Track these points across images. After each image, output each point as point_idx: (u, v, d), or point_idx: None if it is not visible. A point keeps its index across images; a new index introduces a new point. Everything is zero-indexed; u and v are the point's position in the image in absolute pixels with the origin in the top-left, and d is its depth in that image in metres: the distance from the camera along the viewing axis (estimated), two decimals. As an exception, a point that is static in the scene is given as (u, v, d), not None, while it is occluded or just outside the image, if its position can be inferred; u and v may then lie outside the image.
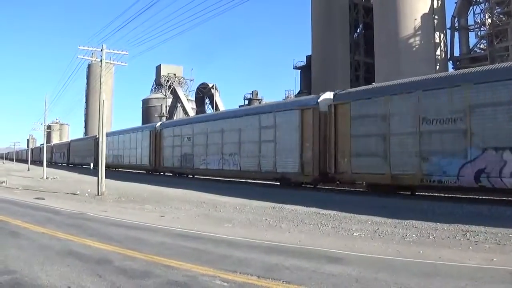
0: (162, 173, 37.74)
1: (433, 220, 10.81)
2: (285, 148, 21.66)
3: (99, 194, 19.19)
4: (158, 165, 36.29)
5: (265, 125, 23.22)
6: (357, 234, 9.78)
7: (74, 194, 19.96)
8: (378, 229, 10.21)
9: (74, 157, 62.78)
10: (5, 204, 16.07)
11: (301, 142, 20.67)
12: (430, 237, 9.26)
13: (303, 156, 20.49)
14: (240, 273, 6.40)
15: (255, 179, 25.71)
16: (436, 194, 16.95)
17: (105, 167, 48.81)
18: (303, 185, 21.51)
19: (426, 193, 17.26)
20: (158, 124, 39.56)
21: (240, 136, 25.16)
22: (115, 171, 44.46)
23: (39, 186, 25.24)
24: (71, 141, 72.29)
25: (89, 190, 20.38)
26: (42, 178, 33.31)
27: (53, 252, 7.87)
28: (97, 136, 47.57)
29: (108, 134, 49.53)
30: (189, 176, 33.30)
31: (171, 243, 8.99)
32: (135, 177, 34.22)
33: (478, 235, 9.23)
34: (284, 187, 21.72)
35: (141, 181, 28.69)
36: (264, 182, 25.25)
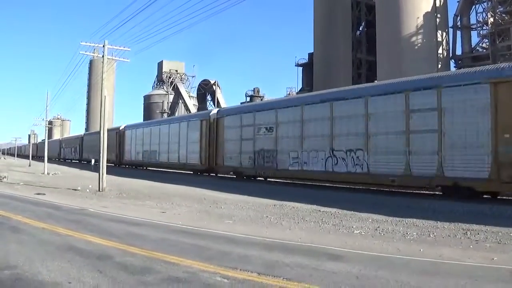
0: (215, 174, 29.72)
1: (434, 219, 10.83)
2: (461, 142, 15.13)
3: (100, 190, 19.23)
4: (215, 163, 28.46)
5: (417, 107, 16.44)
6: (357, 231, 9.78)
7: (75, 189, 19.97)
8: (378, 227, 10.22)
9: (88, 153, 53.62)
10: (6, 199, 16.11)
11: (494, 132, 14.27)
12: (431, 235, 9.26)
13: (499, 153, 14.11)
14: (240, 269, 6.40)
15: (400, 186, 17.92)
16: (436, 193, 16.84)
17: (133, 166, 45.99)
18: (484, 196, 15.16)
19: (426, 192, 17.09)
20: (214, 111, 31.17)
21: (367, 124, 18.24)
22: (144, 170, 39.43)
23: (40, 181, 25.30)
24: (84, 134, 65.52)
25: (90, 186, 20.41)
26: (43, 173, 33.38)
27: (53, 248, 7.90)
28: (120, 128, 46.21)
29: (137, 126, 44.78)
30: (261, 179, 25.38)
31: (172, 239, 9.00)
32: (183, 178, 27.71)
33: (478, 234, 9.22)
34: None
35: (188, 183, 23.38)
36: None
